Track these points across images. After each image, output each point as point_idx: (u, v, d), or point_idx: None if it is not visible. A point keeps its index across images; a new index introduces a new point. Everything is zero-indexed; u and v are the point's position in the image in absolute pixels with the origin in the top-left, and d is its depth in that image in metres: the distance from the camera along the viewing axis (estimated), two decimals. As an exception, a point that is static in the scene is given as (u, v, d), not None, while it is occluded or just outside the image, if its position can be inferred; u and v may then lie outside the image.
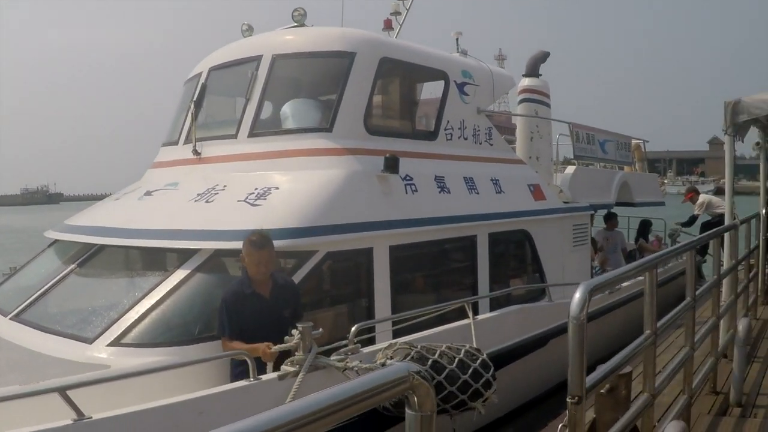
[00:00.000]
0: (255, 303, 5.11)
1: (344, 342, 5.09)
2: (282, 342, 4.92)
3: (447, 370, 4.94)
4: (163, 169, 7.73)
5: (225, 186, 6.54)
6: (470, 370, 5.07)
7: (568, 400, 2.99)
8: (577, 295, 3.03)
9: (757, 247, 9.30)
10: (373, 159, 6.79)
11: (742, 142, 8.28)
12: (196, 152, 7.26)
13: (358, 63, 7.10)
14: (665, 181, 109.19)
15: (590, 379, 3.16)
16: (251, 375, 4.50)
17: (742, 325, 6.10)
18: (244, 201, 6.17)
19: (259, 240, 5.10)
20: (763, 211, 9.83)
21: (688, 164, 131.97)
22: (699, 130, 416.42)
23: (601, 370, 3.40)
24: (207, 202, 6.38)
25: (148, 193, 7.11)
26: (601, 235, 12.51)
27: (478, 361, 5.20)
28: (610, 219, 12.82)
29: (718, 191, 66.43)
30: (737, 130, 7.53)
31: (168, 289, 5.47)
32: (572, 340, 2.99)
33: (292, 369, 4.57)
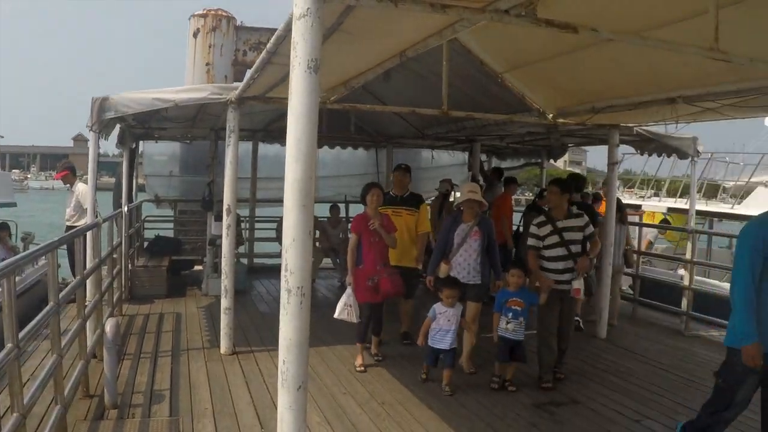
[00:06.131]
0: None
1: None
2: None
3: None
4: None
5: None
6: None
7: None
8: None
9: (120, 243, 9.86)
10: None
11: (106, 140, 8.74)
12: None
13: None
14: (29, 176, 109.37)
15: None
16: None
17: (109, 325, 6.34)
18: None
19: None
20: (125, 208, 10.54)
21: (52, 159, 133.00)
22: (65, 125, 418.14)
23: None
24: None
25: None
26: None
27: None
28: None
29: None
30: (103, 127, 7.90)
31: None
32: None
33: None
